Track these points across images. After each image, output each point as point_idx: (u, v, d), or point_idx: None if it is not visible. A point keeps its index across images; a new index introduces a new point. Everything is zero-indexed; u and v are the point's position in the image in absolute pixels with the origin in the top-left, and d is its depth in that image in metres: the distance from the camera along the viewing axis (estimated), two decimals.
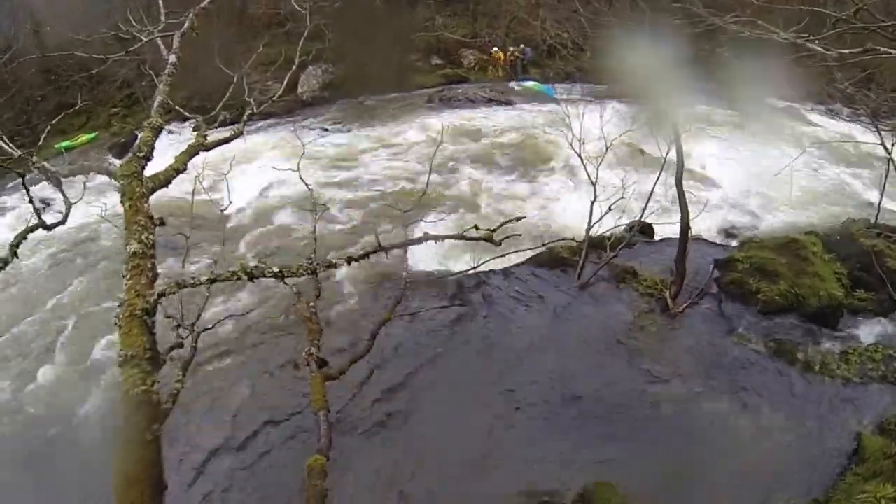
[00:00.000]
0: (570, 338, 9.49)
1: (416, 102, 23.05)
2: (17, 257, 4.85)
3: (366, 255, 5.16)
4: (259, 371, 9.12)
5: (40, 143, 6.01)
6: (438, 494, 7.17)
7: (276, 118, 21.70)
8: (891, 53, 6.66)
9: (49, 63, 22.48)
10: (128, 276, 3.74)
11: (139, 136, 5.18)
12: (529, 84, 25.06)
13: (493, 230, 6.14)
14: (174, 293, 3.63)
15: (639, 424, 7.95)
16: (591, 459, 7.53)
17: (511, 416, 8.14)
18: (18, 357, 10.03)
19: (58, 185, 5.28)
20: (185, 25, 6.68)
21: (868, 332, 9.81)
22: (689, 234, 9.89)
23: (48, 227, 5.17)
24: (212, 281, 3.78)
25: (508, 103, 22.43)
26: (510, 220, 6.30)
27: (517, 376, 8.79)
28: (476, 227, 6.05)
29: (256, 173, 15.28)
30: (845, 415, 8.14)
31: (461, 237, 6.39)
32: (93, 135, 23.20)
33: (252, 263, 4.15)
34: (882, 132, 11.48)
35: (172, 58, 6.10)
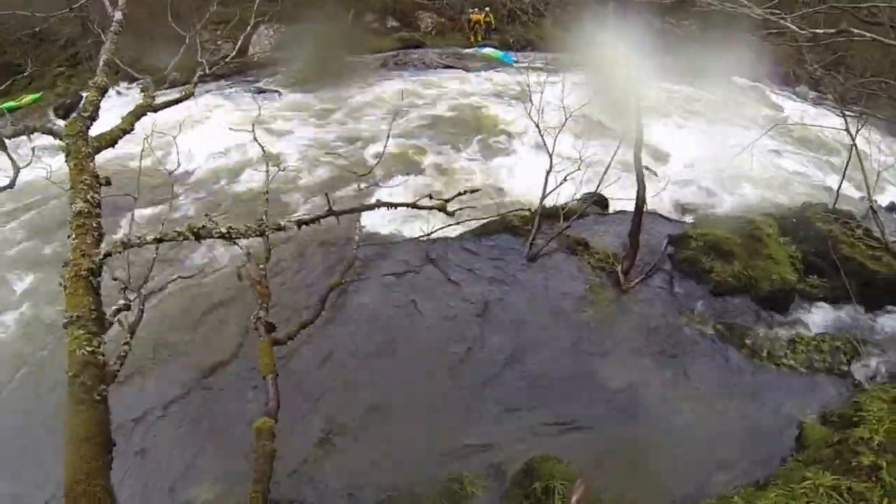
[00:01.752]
0: (520, 309, 9.67)
1: (372, 66, 23.17)
2: None
3: (316, 219, 5.32)
4: (208, 334, 9.23)
5: None
6: (380, 463, 7.35)
7: (228, 79, 21.84)
8: (864, 36, 6.92)
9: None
10: (73, 236, 3.87)
11: (84, 95, 5.25)
12: (487, 50, 25.34)
13: (447, 200, 6.33)
14: (120, 252, 3.77)
15: (585, 401, 8.18)
16: (535, 433, 7.76)
17: (456, 387, 8.33)
18: None
19: (2, 147, 5.31)
20: None
21: (818, 319, 10.05)
22: (644, 209, 10.12)
23: None
24: (158, 240, 3.93)
25: (466, 69, 22.63)
26: (464, 192, 6.50)
27: (464, 346, 8.98)
28: (430, 197, 6.24)
29: (208, 135, 15.24)
30: (789, 403, 8.38)
31: (414, 205, 6.57)
32: (37, 95, 23.02)
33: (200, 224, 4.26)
34: (847, 117, 11.68)
35: (118, 14, 6.14)
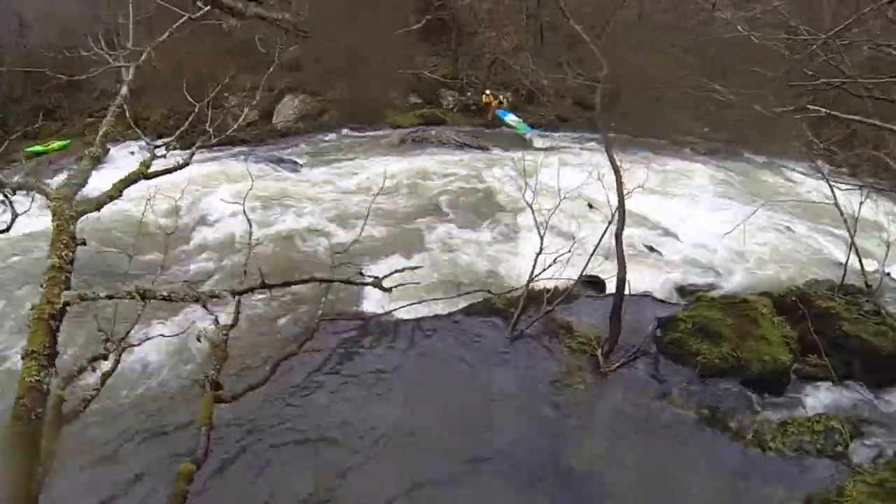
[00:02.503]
0: (492, 389, 9.87)
1: (390, 141, 24.25)
2: None
3: (249, 290, 6.04)
4: (165, 390, 9.76)
5: None
6: None
7: (248, 145, 23.31)
8: (819, 112, 7.39)
9: (31, 63, 23.65)
10: (44, 286, 4.58)
11: (79, 164, 6.00)
12: (510, 119, 26.46)
13: (383, 277, 6.95)
14: (77, 303, 4.46)
15: (553, 486, 8.25)
16: None
17: (413, 469, 8.38)
18: None
19: (4, 195, 6.05)
20: (142, 58, 7.50)
21: (815, 400, 10.08)
22: (627, 291, 10.36)
23: None
24: (110, 297, 4.61)
25: (481, 148, 23.50)
26: (405, 269, 7.13)
27: (426, 426, 9.11)
28: (361, 273, 6.86)
29: (209, 201, 16.59)
30: (774, 489, 8.35)
31: (348, 282, 7.24)
32: (65, 142, 24.19)
33: (170, 286, 4.97)
34: (846, 190, 11.88)
35: (124, 89, 6.95)
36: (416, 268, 8.71)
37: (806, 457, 8.91)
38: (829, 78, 7.87)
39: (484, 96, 27.85)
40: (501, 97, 27.93)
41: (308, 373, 9.98)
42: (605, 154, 11.13)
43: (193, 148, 7.64)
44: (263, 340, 10.93)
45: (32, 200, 6.40)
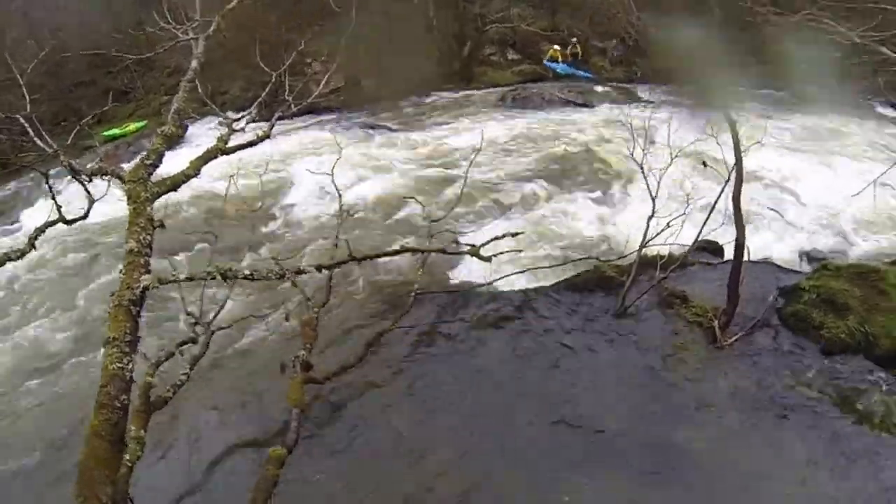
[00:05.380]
0: (602, 366, 9.83)
1: (488, 100, 24.27)
2: (35, 248, 5.96)
3: (337, 265, 6.19)
4: (255, 372, 10.06)
5: (69, 141, 7.19)
6: None
7: (336, 112, 23.74)
8: None
9: (101, 44, 24.08)
10: (123, 272, 4.84)
11: (151, 142, 6.25)
12: (562, 69, 26.95)
13: (481, 245, 6.95)
14: (157, 287, 4.69)
15: (664, 467, 8.21)
16: (612, 500, 7.91)
17: (521, 451, 8.44)
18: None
19: (80, 182, 6.37)
20: (211, 28, 7.71)
21: None
22: (746, 257, 10.14)
23: (68, 222, 6.32)
24: (189, 279, 4.83)
25: (586, 105, 23.24)
26: (504, 236, 7.09)
27: (532, 405, 9.14)
28: (456, 242, 6.89)
29: (295, 173, 16.92)
30: None
31: (443, 251, 7.25)
32: (142, 123, 24.80)
33: (245, 263, 5.17)
34: None
35: (194, 63, 7.16)
36: (517, 234, 8.56)
37: None
38: None
39: (552, 50, 27.70)
40: (570, 49, 27.78)
41: (404, 350, 10.11)
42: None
43: (273, 119, 7.71)
44: (356, 317, 11.10)
45: (109, 185, 6.58)
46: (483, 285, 11.36)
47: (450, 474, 8.15)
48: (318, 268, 5.88)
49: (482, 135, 12.93)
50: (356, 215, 13.25)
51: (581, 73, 26.98)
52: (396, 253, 8.32)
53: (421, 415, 9.04)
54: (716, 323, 10.25)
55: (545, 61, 27.67)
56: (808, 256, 13.12)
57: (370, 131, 21.55)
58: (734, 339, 10.13)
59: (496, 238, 8.29)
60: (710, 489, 8.00)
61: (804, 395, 9.32)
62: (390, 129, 21.81)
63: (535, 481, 8.06)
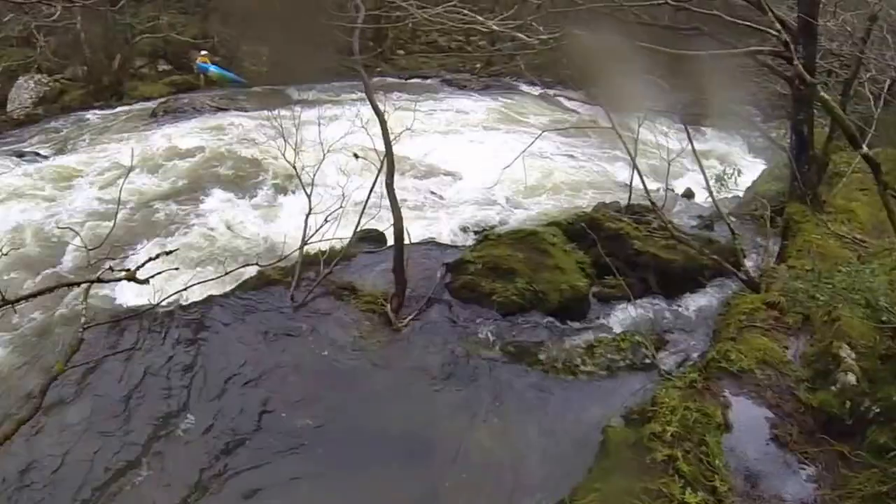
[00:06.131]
0: (281, 368, 9.65)
1: (142, 115, 23.38)
2: None
3: None
4: None
5: None
6: None
7: None
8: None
9: None
10: None
11: None
12: (213, 71, 26.84)
13: (137, 268, 6.49)
14: None
15: (364, 452, 8.26)
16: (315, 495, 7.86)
17: (214, 466, 8.21)
18: None
19: None
20: None
21: (617, 319, 10.71)
22: (407, 240, 10.57)
23: None
24: None
25: (239, 110, 23.06)
26: (159, 255, 6.68)
27: (218, 417, 8.87)
28: (111, 269, 6.40)
29: None
30: (593, 410, 8.70)
31: (99, 281, 6.75)
32: None
33: None
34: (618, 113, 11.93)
35: None
36: (171, 252, 8.18)
37: (618, 374, 9.55)
38: None
39: (200, 57, 27.24)
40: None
41: (82, 389, 9.42)
42: (368, 101, 11.05)
43: None
44: (27, 366, 10.24)
45: None
46: (150, 308, 10.58)
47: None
48: None
49: (132, 153, 12.30)
50: (9, 252, 12.00)
51: (232, 76, 26.91)
52: (52, 289, 7.54)
53: (110, 454, 8.43)
54: (388, 307, 10.39)
55: (198, 64, 27.02)
56: (471, 231, 13.79)
57: (20, 159, 19.58)
58: (409, 319, 10.32)
59: (151, 259, 7.81)
60: (412, 459, 8.19)
61: (488, 356, 9.77)
62: (41, 155, 19.97)
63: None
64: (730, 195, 13.76)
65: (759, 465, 6.67)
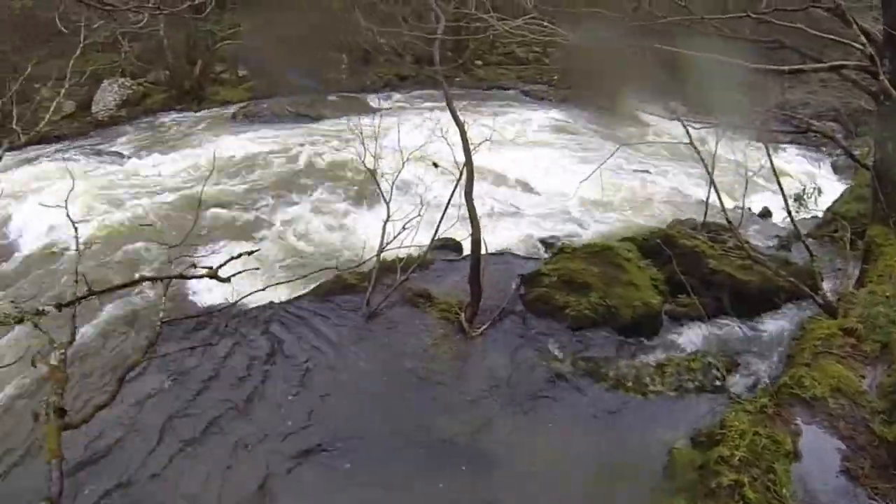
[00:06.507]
0: (354, 373, 9.77)
1: (221, 119, 24.11)
2: None
3: (78, 301, 5.71)
4: (9, 425, 9.19)
5: None
6: None
7: (67, 141, 22.25)
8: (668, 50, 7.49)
9: None
10: None
11: None
12: None
13: (218, 267, 6.72)
14: None
15: (432, 460, 8.30)
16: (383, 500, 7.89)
17: (282, 466, 8.25)
18: None
19: None
20: None
21: (689, 339, 10.63)
22: (484, 250, 10.49)
23: None
24: None
25: (318, 118, 23.56)
26: (241, 255, 6.90)
27: (288, 422, 8.93)
28: (194, 265, 6.59)
29: (26, 208, 15.69)
30: (659, 431, 8.60)
31: (181, 276, 6.97)
32: None
33: None
34: (695, 129, 11.97)
35: None
36: (252, 252, 8.43)
37: (687, 395, 9.37)
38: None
39: None
40: None
41: (157, 381, 9.62)
42: (448, 110, 11.04)
43: (2, 149, 7.08)
44: (105, 353, 10.54)
45: None
46: (227, 307, 10.98)
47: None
48: (59, 306, 5.42)
49: (214, 155, 12.55)
50: (93, 247, 12.50)
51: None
52: (136, 283, 7.88)
53: (178, 446, 8.53)
54: (462, 316, 10.50)
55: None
56: (546, 243, 13.81)
57: (103, 158, 20.35)
58: (482, 329, 10.39)
59: (233, 258, 8.05)
60: (475, 468, 8.17)
61: (558, 370, 9.73)
62: (123, 156, 20.75)
63: (293, 492, 7.95)
64: (809, 215, 13.66)
65: (827, 498, 6.54)
